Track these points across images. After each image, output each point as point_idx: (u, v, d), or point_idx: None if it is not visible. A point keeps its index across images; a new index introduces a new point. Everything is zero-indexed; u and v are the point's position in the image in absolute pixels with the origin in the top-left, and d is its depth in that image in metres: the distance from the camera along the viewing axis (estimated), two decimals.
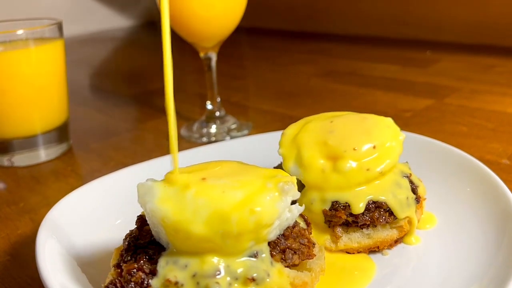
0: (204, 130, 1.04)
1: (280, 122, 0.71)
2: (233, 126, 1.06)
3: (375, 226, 0.59)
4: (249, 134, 1.03)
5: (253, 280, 0.44)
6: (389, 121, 0.64)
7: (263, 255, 0.46)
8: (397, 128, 0.63)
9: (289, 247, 0.48)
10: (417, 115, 1.10)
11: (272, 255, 0.47)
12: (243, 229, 0.43)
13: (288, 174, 0.50)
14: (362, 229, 0.59)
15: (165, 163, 0.65)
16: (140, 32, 2.72)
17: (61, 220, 0.60)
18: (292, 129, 0.67)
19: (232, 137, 1.01)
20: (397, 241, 0.60)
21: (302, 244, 0.49)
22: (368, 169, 0.58)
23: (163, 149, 0.97)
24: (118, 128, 1.16)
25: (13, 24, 0.94)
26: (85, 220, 0.62)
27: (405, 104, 1.17)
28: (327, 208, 0.58)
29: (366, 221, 0.57)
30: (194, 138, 1.02)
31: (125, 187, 0.64)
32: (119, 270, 0.46)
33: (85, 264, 0.55)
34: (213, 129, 1.04)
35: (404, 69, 1.51)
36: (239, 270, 0.44)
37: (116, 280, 0.45)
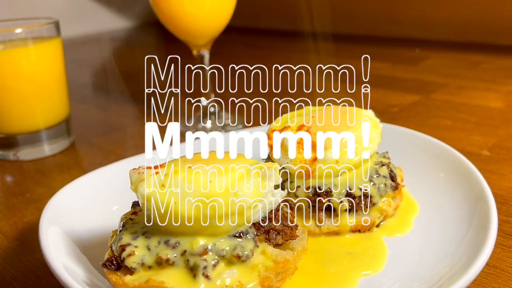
0: (200, 126, 1.08)
1: (272, 118, 0.76)
2: (228, 122, 1.09)
3: (356, 211, 0.62)
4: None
5: (238, 257, 0.47)
6: (368, 113, 0.67)
7: (248, 235, 0.49)
8: (376, 120, 0.66)
9: (273, 228, 0.51)
10: (404, 110, 1.13)
11: (256, 235, 0.50)
12: (228, 212, 0.47)
13: (274, 163, 0.53)
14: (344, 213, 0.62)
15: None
16: (139, 33, 2.75)
17: (62, 207, 0.63)
18: (279, 122, 0.70)
19: (226, 132, 1.04)
20: (378, 225, 0.64)
21: (286, 226, 0.52)
22: (348, 159, 0.62)
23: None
24: (118, 124, 1.20)
25: (12, 23, 0.97)
26: (85, 206, 0.66)
27: (393, 99, 1.21)
28: (311, 194, 0.61)
29: (346, 207, 0.61)
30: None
31: (122, 177, 0.67)
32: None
33: (86, 246, 0.58)
34: (209, 124, 1.08)
35: (394, 66, 1.54)
36: (226, 249, 0.47)
37: (112, 258, 0.48)
